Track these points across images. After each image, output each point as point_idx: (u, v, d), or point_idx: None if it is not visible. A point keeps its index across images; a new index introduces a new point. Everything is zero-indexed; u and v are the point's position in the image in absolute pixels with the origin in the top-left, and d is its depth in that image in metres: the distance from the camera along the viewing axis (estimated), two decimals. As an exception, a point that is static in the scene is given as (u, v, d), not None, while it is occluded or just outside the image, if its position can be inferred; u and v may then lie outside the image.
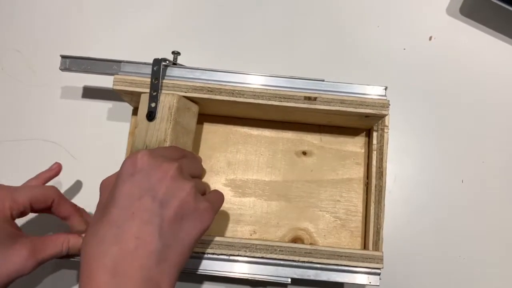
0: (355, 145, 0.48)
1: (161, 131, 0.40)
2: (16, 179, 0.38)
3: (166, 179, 0.31)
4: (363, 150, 0.48)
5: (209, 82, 0.42)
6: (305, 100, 0.41)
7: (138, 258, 0.29)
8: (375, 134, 0.45)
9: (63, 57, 0.43)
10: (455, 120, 0.50)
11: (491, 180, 0.48)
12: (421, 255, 0.46)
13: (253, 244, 0.39)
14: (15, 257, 0.32)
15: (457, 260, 0.46)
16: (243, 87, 0.42)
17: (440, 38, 0.52)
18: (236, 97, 0.41)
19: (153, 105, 0.41)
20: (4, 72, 0.50)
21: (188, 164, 0.35)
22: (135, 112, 0.48)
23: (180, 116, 0.41)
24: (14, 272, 0.32)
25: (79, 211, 0.39)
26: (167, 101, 0.41)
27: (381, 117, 0.42)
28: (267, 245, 0.39)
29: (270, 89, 0.41)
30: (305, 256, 0.39)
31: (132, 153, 0.33)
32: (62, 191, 0.46)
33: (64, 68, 0.43)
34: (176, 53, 0.44)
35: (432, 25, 0.52)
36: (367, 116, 0.42)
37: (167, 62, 0.42)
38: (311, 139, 0.48)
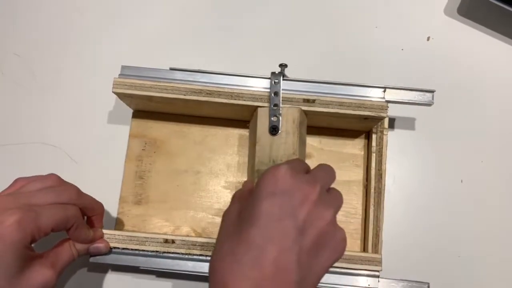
0: (354, 147, 0.48)
1: (288, 144, 0.40)
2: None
3: (308, 204, 0.30)
4: (362, 152, 0.48)
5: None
6: (304, 102, 0.41)
7: (277, 287, 0.28)
8: (374, 136, 0.45)
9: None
10: (453, 120, 0.50)
11: (491, 180, 0.48)
12: (421, 255, 0.46)
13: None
14: (40, 276, 0.33)
15: (456, 260, 0.46)
16: (242, 89, 0.42)
17: (438, 38, 0.52)
18: (235, 99, 0.41)
19: (274, 119, 0.41)
20: (4, 76, 0.51)
21: (325, 180, 0.33)
22: (135, 115, 0.48)
23: (301, 129, 0.41)
24: None
25: (95, 237, 0.38)
26: (290, 114, 0.41)
27: (380, 119, 0.42)
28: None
29: (268, 92, 0.42)
30: None
31: (273, 169, 0.31)
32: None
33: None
34: (284, 65, 0.43)
35: (430, 25, 0.52)
36: (366, 118, 0.42)
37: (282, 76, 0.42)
38: (310, 142, 0.48)
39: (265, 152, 0.40)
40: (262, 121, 0.41)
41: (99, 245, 0.38)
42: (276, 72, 0.42)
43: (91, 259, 0.39)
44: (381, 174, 0.44)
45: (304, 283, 0.29)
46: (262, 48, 0.52)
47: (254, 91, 0.42)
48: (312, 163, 0.47)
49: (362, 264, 0.39)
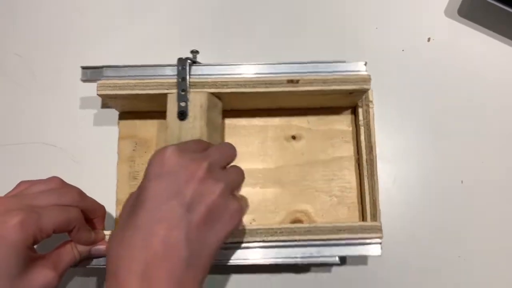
0: (342, 123, 0.48)
1: (195, 129, 0.40)
2: (17, 183, 0.37)
3: (194, 181, 0.31)
4: (350, 128, 0.48)
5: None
6: (288, 83, 0.42)
7: (167, 264, 0.29)
8: (360, 110, 0.46)
9: (84, 68, 0.43)
10: (454, 121, 0.49)
11: (491, 181, 0.48)
12: (421, 255, 0.46)
13: (254, 229, 0.39)
14: (41, 278, 0.33)
15: (456, 261, 0.46)
16: (227, 78, 0.42)
17: (439, 39, 0.52)
18: (219, 88, 0.42)
19: (183, 104, 0.41)
20: (5, 76, 0.50)
21: (218, 157, 0.34)
22: (121, 116, 0.48)
23: (210, 113, 0.42)
24: None
25: (96, 239, 0.38)
26: (197, 99, 0.41)
27: (364, 92, 0.43)
28: (267, 228, 0.39)
29: (254, 77, 0.42)
30: (305, 235, 0.39)
31: (160, 150, 0.32)
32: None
33: (86, 79, 0.43)
34: (195, 52, 0.44)
35: (431, 26, 0.52)
36: (351, 93, 0.43)
37: (189, 61, 0.42)
38: (299, 123, 0.48)
39: (174, 137, 0.40)
40: (171, 107, 0.41)
41: (101, 247, 0.38)
42: (184, 58, 0.42)
43: (92, 263, 0.39)
44: (371, 147, 0.44)
45: (196, 257, 0.30)
46: (261, 47, 0.52)
47: (163, 79, 0.42)
48: (303, 144, 0.48)
49: (362, 233, 0.40)
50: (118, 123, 0.48)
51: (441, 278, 0.45)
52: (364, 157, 0.45)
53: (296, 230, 0.39)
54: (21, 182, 0.36)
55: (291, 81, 0.42)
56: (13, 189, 0.35)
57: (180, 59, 0.42)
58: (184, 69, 0.42)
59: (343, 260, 0.46)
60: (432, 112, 0.50)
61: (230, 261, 0.39)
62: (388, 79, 0.50)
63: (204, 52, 0.47)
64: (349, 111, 0.49)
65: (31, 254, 0.32)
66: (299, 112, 0.48)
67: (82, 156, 0.48)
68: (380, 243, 0.40)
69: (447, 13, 0.53)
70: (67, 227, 0.34)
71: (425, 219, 0.47)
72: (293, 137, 0.48)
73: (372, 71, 0.49)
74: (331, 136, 0.48)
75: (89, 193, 0.38)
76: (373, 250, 0.40)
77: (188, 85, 0.41)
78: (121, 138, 0.48)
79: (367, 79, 0.42)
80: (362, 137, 0.45)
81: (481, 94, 0.50)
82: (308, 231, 0.39)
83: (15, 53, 0.51)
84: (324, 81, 0.42)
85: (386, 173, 0.48)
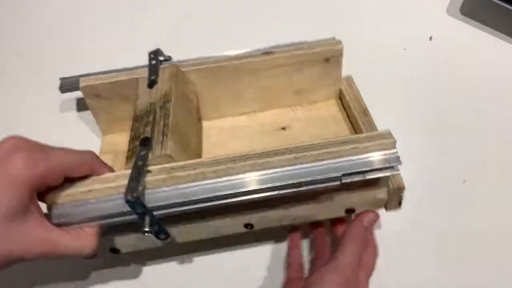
0: (330, 109, 0.47)
1: (164, 88, 0.40)
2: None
3: None
4: (340, 113, 0.46)
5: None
6: (263, 55, 0.43)
7: None
8: (343, 88, 0.46)
9: (62, 79, 0.44)
10: (456, 120, 0.49)
11: (493, 180, 0.46)
12: (423, 256, 0.42)
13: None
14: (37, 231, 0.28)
15: (458, 260, 0.41)
16: (203, 59, 0.44)
17: (440, 38, 0.53)
18: (196, 66, 0.43)
19: (153, 77, 0.41)
20: (6, 75, 0.51)
21: None
22: (106, 130, 0.46)
23: (180, 85, 0.41)
24: None
25: None
26: (167, 70, 0.42)
27: (339, 55, 0.44)
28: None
29: (229, 54, 0.44)
30: None
31: None
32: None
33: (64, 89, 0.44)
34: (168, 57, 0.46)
35: (432, 25, 0.54)
36: (327, 60, 0.44)
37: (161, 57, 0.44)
38: (287, 115, 0.47)
39: (145, 100, 0.40)
40: (142, 86, 0.41)
41: None
42: (154, 50, 0.44)
43: None
44: (364, 110, 0.42)
45: None
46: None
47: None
48: (295, 130, 0.45)
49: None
50: (102, 138, 0.47)
51: (443, 278, 0.40)
52: (361, 120, 0.42)
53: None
54: None
55: (266, 53, 0.44)
56: None
57: (150, 52, 0.43)
58: (154, 59, 0.43)
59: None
60: (434, 111, 0.48)
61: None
62: (390, 78, 0.50)
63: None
64: (334, 100, 0.48)
65: (33, 201, 0.28)
66: (286, 106, 0.47)
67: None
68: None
69: (449, 11, 0.54)
70: (79, 169, 0.31)
71: (426, 218, 0.43)
72: (283, 128, 0.46)
73: (374, 70, 0.51)
74: (323, 118, 0.46)
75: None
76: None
77: (158, 69, 0.42)
78: (102, 153, 0.45)
79: (338, 42, 0.44)
80: (353, 110, 0.44)
81: (483, 93, 0.49)
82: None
83: (17, 52, 0.52)
84: (298, 48, 0.44)
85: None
